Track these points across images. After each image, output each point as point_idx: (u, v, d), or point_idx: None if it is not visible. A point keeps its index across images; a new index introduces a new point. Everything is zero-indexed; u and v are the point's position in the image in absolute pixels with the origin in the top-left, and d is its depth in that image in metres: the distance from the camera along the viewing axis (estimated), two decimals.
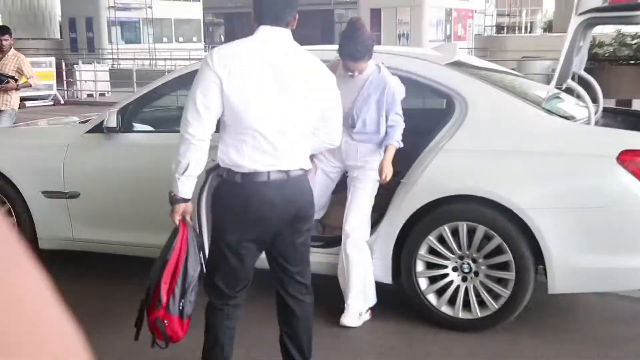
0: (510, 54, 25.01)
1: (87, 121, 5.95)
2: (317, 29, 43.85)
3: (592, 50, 17.31)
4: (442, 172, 4.67)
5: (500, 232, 4.51)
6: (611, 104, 11.32)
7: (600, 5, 4.60)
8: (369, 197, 4.87)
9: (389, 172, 4.67)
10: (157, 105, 6.36)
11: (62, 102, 21.48)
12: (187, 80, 6.30)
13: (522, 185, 4.49)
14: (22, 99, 20.09)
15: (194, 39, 44.20)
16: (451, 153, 4.66)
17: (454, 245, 4.66)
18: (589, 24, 4.71)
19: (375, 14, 42.51)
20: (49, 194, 5.87)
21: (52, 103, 20.70)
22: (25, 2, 49.07)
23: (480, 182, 4.45)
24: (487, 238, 4.57)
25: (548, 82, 5.09)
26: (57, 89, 21.74)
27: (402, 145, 4.74)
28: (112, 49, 39.57)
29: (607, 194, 4.37)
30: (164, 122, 5.99)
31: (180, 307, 3.61)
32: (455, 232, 4.66)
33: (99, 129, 5.63)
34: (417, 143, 4.76)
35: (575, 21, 4.58)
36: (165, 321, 3.58)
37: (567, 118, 4.70)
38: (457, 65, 5.12)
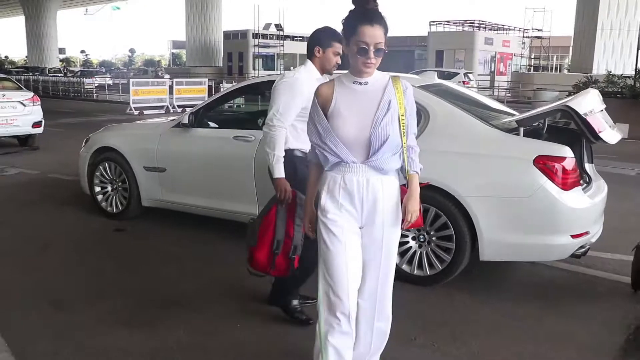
0: (535, 87, 23.93)
1: (175, 119, 5.92)
2: (400, 66, 43.41)
3: (589, 86, 16.61)
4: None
5: (446, 213, 4.25)
6: None
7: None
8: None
9: (416, 212, 2.57)
10: (222, 109, 6.27)
11: None
12: (241, 92, 6.27)
13: (464, 178, 4.19)
14: (183, 107, 20.94)
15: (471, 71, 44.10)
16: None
17: None
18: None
19: (439, 54, 41.80)
20: (147, 169, 5.91)
21: None
22: (202, 42, 50.48)
23: (434, 175, 4.15)
24: (437, 216, 4.29)
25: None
26: None
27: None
28: (255, 74, 40.19)
29: (525, 188, 4.03)
30: (223, 121, 5.88)
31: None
32: None
33: (179, 125, 5.62)
34: None
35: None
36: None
37: (505, 130, 4.32)
38: (427, 87, 4.78)
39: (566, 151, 4.03)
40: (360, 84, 2.51)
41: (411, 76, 5.89)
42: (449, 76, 27.37)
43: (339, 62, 3.66)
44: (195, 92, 22.17)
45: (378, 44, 2.41)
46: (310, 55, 3.66)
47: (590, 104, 4.28)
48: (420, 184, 2.62)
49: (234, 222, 5.30)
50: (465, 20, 45.90)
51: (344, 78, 2.56)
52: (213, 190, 5.43)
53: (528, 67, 46.12)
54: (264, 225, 3.39)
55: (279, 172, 3.44)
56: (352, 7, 2.50)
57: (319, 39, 3.61)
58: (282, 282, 3.79)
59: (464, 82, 27.93)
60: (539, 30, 44.33)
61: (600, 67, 29.63)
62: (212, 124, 5.66)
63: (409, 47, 48.06)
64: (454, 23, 46.23)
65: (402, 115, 2.51)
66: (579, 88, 16.98)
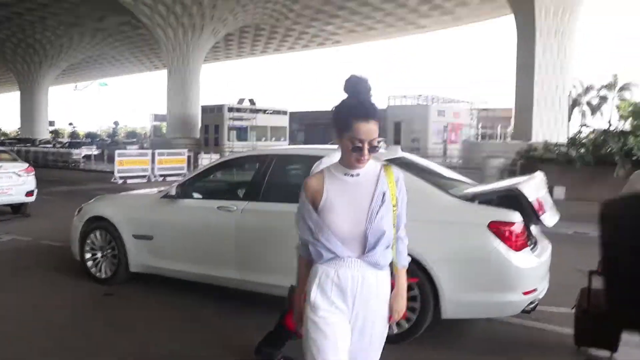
0: (483, 154, 24.62)
1: (162, 190, 5.95)
2: None
3: (529, 153, 17.22)
4: None
5: (412, 276, 4.30)
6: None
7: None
8: None
9: (402, 311, 2.40)
10: (206, 181, 6.32)
11: None
12: (224, 166, 6.34)
13: (427, 243, 4.26)
14: (164, 175, 20.91)
15: (282, 139, 44.84)
16: None
17: None
18: None
19: (397, 125, 42.88)
20: (136, 236, 5.88)
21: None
22: (182, 115, 50.77)
23: None
24: None
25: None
26: (187, 170, 22.17)
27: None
28: (229, 144, 40.41)
29: (481, 250, 4.16)
30: (208, 192, 5.94)
31: None
32: None
33: (167, 196, 5.65)
34: None
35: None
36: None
37: (461, 198, 4.46)
38: (392, 160, 4.95)
39: (516, 216, 4.18)
40: (352, 175, 2.25)
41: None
42: None
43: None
44: (175, 162, 22.21)
45: (373, 140, 2.17)
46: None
47: (535, 189, 4.47)
48: (409, 279, 2.42)
49: (218, 286, 5.29)
50: (419, 95, 47.42)
51: (334, 169, 2.29)
52: (197, 257, 5.43)
53: (477, 135, 47.57)
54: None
55: None
56: (344, 95, 2.22)
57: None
58: (273, 335, 3.80)
59: None
60: (485, 103, 46.08)
61: (538, 135, 30.71)
62: (197, 195, 5.72)
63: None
64: (409, 97, 47.69)
65: (394, 207, 2.26)
66: (521, 155, 17.60)
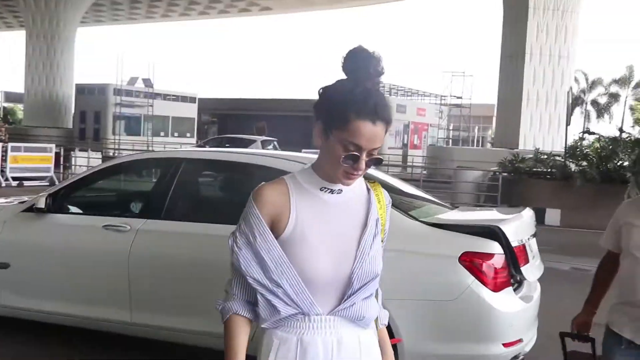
0: (455, 163, 25.35)
1: (24, 202, 5.89)
2: (299, 134, 44.37)
3: (515, 164, 17.90)
4: None
5: None
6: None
7: None
8: None
9: None
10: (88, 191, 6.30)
11: (57, 182, 21.49)
12: (114, 171, 6.36)
13: (381, 280, 4.44)
14: (21, 179, 20.39)
15: (188, 134, 44.58)
16: None
17: None
18: None
19: None
20: None
21: (48, 183, 20.63)
22: (46, 96, 49.50)
23: None
24: None
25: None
26: (55, 172, 21.70)
27: None
28: (114, 139, 39.82)
29: (451, 289, 4.37)
30: (90, 206, 5.94)
31: None
32: None
33: (31, 209, 5.59)
34: None
35: None
36: None
37: (426, 223, 4.67)
38: None
39: (494, 247, 4.38)
40: (332, 192, 2.02)
41: (310, 156, 6.23)
42: (245, 144, 27.68)
43: None
44: (37, 161, 21.63)
45: (374, 150, 1.93)
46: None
47: (521, 231, 4.73)
48: (391, 340, 2.35)
49: (105, 333, 5.30)
50: None
51: (304, 179, 2.03)
52: (74, 294, 5.39)
53: (446, 139, 48.83)
54: None
55: None
56: (341, 74, 1.98)
57: None
58: None
59: None
60: (458, 97, 47.36)
61: (527, 141, 31.85)
62: (75, 210, 5.69)
63: (307, 112, 49.43)
64: None
65: (382, 241, 2.14)
66: (504, 166, 18.17)
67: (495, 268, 4.35)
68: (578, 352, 3.62)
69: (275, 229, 1.98)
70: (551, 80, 32.84)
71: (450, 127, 50.72)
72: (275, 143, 31.04)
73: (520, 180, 17.04)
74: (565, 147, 18.46)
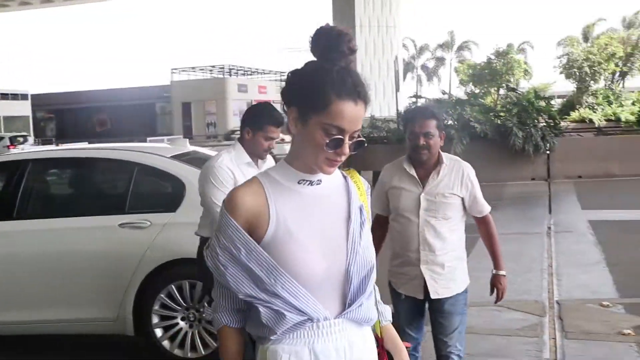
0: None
1: None
2: (138, 124, 43.59)
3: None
4: (167, 241, 5.07)
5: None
6: (369, 175, 12.33)
7: None
8: None
9: None
10: None
11: None
12: None
13: None
14: None
15: (24, 133, 42.81)
16: (175, 225, 5.08)
17: (180, 300, 5.09)
18: None
19: (186, 106, 43.16)
20: None
21: None
22: None
23: (190, 251, 4.48)
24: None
25: None
26: None
27: None
28: None
29: None
30: None
31: None
32: (180, 289, 5.09)
33: None
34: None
35: None
36: None
37: None
38: (180, 156, 5.56)
39: None
40: (312, 183, 1.89)
41: (161, 145, 6.61)
42: None
43: (273, 147, 3.83)
44: None
45: (355, 132, 1.83)
46: (240, 136, 3.93)
47: None
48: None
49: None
50: (213, 66, 48.22)
51: (278, 174, 1.90)
52: None
53: None
54: None
55: None
56: (309, 56, 1.88)
57: (251, 119, 3.85)
58: None
59: (8, 146, 29.03)
60: None
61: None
62: None
63: (148, 99, 48.65)
64: (200, 69, 48.28)
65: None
66: None
67: None
68: None
69: (256, 233, 1.83)
70: (381, 50, 34.43)
71: None
72: (28, 137, 30.40)
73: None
74: (397, 112, 19.55)
